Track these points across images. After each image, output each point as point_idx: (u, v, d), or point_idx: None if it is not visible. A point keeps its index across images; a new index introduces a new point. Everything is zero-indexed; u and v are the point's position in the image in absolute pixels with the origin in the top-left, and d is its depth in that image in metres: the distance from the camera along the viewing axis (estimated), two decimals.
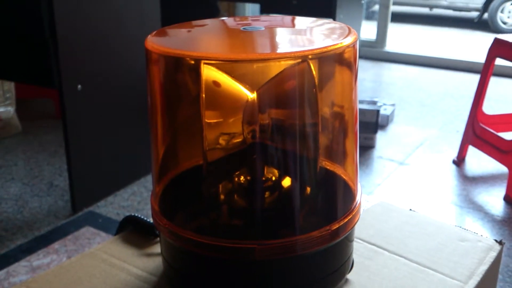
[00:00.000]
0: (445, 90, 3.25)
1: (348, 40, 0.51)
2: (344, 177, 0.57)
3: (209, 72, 0.50)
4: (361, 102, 2.48)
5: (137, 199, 1.77)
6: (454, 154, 2.32)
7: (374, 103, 2.50)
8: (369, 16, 4.39)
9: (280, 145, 0.54)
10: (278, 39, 0.54)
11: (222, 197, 0.54)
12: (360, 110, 2.34)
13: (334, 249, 0.54)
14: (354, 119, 0.56)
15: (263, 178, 0.53)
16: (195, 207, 0.54)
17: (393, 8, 4.20)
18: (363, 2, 3.31)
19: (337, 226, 0.52)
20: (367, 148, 2.38)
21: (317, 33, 0.55)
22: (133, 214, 0.72)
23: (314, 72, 0.51)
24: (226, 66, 0.49)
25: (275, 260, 0.50)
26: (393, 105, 2.77)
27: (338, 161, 0.58)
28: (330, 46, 0.48)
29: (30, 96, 2.43)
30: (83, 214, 1.69)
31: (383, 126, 2.62)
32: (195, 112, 0.52)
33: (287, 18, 0.64)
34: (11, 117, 2.21)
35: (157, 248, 0.65)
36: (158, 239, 0.66)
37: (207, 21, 0.59)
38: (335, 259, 0.55)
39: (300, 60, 0.47)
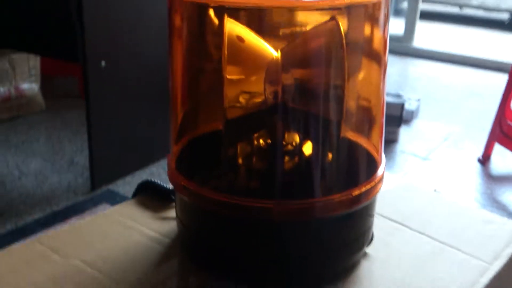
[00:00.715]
0: (472, 88, 3.18)
1: None
2: (367, 144, 0.55)
3: (232, 26, 0.49)
4: (386, 94, 2.43)
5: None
6: (479, 152, 2.27)
7: (399, 96, 2.46)
8: (398, 13, 4.33)
9: (303, 106, 0.52)
10: None
11: (240, 156, 0.52)
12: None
13: (353, 217, 0.52)
14: (382, 88, 0.54)
15: (284, 139, 0.52)
16: (213, 166, 0.53)
17: (422, 6, 4.12)
18: None
19: (358, 192, 0.50)
20: (390, 142, 2.34)
21: None
22: (150, 179, 0.71)
23: (342, 31, 0.49)
24: (250, 14, 0.48)
25: (292, 222, 0.48)
26: (418, 100, 2.72)
27: (362, 127, 0.56)
28: None
29: (54, 73, 2.44)
30: (102, 192, 1.69)
31: (407, 121, 2.57)
32: (216, 68, 0.50)
33: None
34: (35, 94, 2.22)
35: (172, 213, 0.64)
36: (174, 204, 0.65)
37: None
38: (353, 228, 0.53)
39: (329, 8, 0.45)
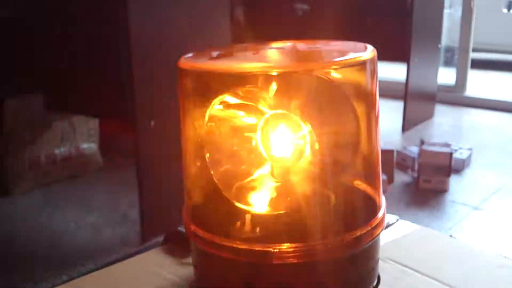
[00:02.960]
0: None
1: (366, 55, 0.54)
2: (365, 189, 0.59)
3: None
4: (434, 144, 2.43)
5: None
6: None
7: (448, 145, 2.44)
8: (448, 62, 4.31)
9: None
10: (290, 55, 0.57)
11: (243, 207, 0.57)
12: (433, 152, 2.30)
13: (353, 259, 0.55)
14: (374, 132, 0.58)
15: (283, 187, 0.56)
16: (219, 215, 0.58)
17: (477, 55, 4.10)
18: (440, 46, 3.28)
19: (354, 236, 0.54)
20: (439, 192, 2.31)
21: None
22: (178, 228, 0.77)
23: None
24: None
25: (291, 265, 0.52)
26: (470, 149, 2.68)
27: (361, 174, 0.59)
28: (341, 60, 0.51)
29: (113, 133, 2.59)
30: (151, 244, 1.76)
31: (458, 171, 2.53)
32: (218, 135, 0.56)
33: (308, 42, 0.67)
34: (94, 153, 2.37)
35: None
36: None
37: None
38: (353, 271, 0.56)
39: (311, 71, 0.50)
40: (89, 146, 2.34)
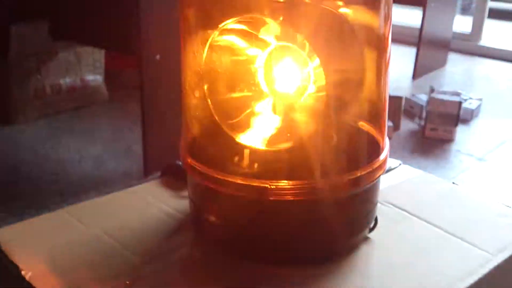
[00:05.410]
0: None
1: None
2: (369, 131, 0.57)
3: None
4: (444, 93, 2.38)
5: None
6: None
7: (458, 94, 2.40)
8: (466, 10, 4.18)
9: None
10: None
11: (242, 141, 0.55)
12: (441, 100, 2.26)
13: (352, 200, 0.54)
14: (384, 73, 0.56)
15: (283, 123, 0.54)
16: (216, 149, 0.57)
17: (495, 4, 3.97)
18: None
19: (354, 176, 0.53)
20: (445, 141, 2.29)
21: None
22: (176, 161, 0.76)
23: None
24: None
25: (288, 202, 0.51)
26: (479, 99, 2.63)
27: (366, 115, 0.58)
28: None
29: (119, 67, 2.56)
30: (152, 177, 1.77)
31: (466, 121, 2.50)
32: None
33: None
34: (99, 85, 2.34)
35: None
36: None
37: None
38: (352, 211, 0.55)
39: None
40: (95, 78, 2.32)
